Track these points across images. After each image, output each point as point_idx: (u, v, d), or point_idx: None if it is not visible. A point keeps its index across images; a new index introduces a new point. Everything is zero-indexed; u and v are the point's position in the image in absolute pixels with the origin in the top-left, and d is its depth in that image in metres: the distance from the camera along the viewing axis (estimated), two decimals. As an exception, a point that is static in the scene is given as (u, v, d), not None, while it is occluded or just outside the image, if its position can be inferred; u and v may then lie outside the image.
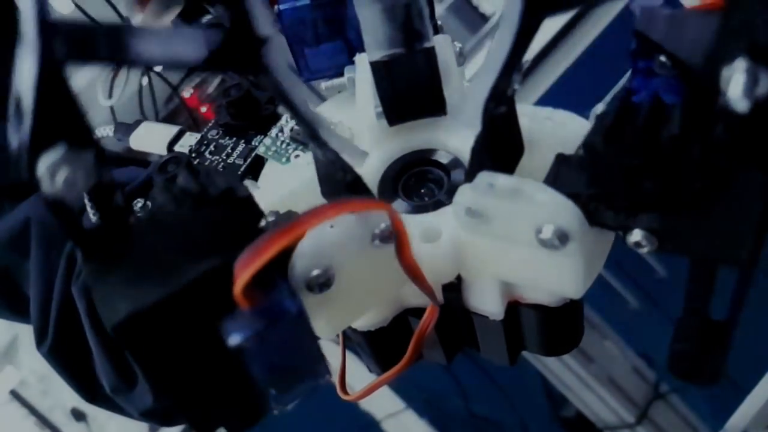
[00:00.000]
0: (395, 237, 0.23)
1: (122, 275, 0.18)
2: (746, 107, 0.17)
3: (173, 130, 0.36)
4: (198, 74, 1.32)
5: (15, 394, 0.99)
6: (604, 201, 0.23)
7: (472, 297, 0.28)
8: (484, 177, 0.24)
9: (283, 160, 0.31)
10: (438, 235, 0.26)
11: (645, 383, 1.33)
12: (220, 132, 0.34)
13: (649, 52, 0.24)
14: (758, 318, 1.53)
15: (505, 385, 1.44)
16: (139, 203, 0.32)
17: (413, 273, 0.24)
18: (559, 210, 0.23)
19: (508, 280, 0.26)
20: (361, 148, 0.24)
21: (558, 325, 0.29)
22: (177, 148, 0.35)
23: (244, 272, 0.17)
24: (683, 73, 0.22)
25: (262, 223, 0.24)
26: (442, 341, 0.30)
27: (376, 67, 0.28)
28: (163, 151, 0.35)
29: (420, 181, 0.29)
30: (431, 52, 0.28)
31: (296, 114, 0.22)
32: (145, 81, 0.99)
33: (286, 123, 0.32)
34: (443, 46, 0.30)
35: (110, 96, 0.97)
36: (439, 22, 0.33)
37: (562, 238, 0.23)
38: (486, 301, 0.28)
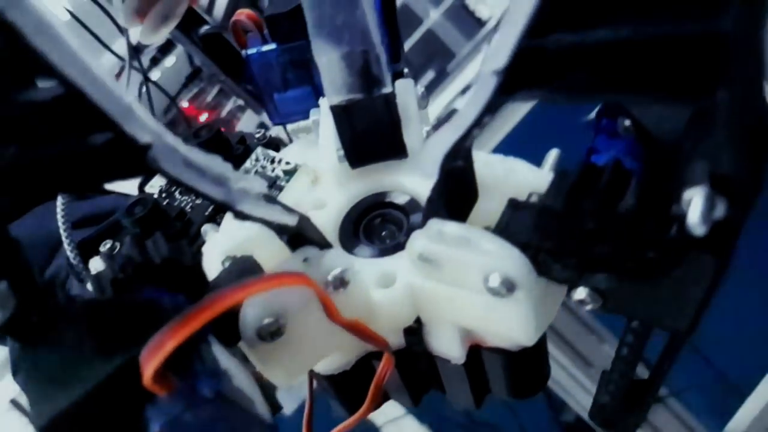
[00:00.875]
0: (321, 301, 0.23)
1: (45, 368, 0.19)
2: (703, 232, 0.17)
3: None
4: (196, 84, 1.33)
5: (15, 403, 1.00)
6: (553, 255, 0.22)
7: (433, 341, 0.28)
8: (435, 224, 0.24)
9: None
10: (393, 281, 0.26)
11: None
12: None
13: (614, 113, 0.23)
14: (756, 322, 1.52)
15: None
16: (107, 244, 0.32)
17: (351, 330, 0.24)
18: (506, 259, 0.22)
19: (463, 325, 0.26)
20: (289, 207, 0.23)
21: (521, 369, 0.29)
22: (148, 188, 0.35)
23: (148, 365, 0.17)
24: (646, 142, 0.22)
25: (219, 269, 0.24)
26: (407, 384, 0.30)
27: (336, 111, 0.28)
28: (134, 190, 0.35)
29: (382, 222, 0.29)
30: (390, 98, 0.28)
31: (207, 199, 0.21)
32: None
33: (252, 165, 0.32)
34: (405, 90, 0.30)
35: None
36: (405, 69, 0.33)
37: (509, 286, 0.22)
38: (447, 345, 0.27)
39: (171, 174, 0.20)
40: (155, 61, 1.28)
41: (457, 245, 0.23)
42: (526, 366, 0.29)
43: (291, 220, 0.23)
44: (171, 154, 0.20)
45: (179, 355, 0.19)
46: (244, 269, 0.25)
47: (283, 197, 0.30)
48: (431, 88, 1.68)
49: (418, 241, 0.24)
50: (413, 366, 0.29)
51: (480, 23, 1.70)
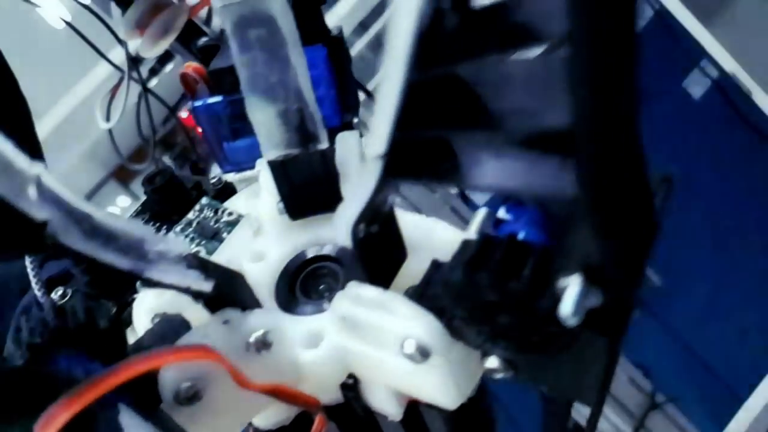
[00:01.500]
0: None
1: None
2: (575, 323, 0.17)
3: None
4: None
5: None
6: (466, 322, 0.22)
7: (369, 397, 0.27)
8: (353, 287, 0.24)
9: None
10: (320, 340, 0.26)
11: (641, 393, 1.32)
12: (147, 217, 0.34)
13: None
14: (754, 327, 1.49)
15: (502, 397, 1.42)
16: (59, 291, 0.32)
17: (271, 394, 0.23)
18: (420, 325, 0.22)
19: (389, 385, 0.25)
20: (217, 266, 0.23)
21: (461, 422, 0.28)
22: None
23: None
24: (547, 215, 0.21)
25: (148, 326, 0.24)
26: (347, 437, 0.29)
27: (273, 166, 0.28)
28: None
29: (319, 276, 0.29)
30: (326, 153, 0.28)
31: (112, 269, 0.21)
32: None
33: (195, 216, 0.32)
34: (347, 142, 0.30)
35: (108, 119, 0.99)
36: (355, 120, 0.32)
37: (424, 352, 0.22)
38: (382, 402, 0.27)
39: (71, 248, 0.20)
40: (154, 72, 1.29)
41: (374, 309, 0.23)
42: (467, 419, 0.28)
43: (206, 286, 0.23)
44: (72, 227, 0.20)
45: (75, 426, 0.19)
46: (167, 330, 0.25)
47: (224, 249, 0.30)
48: None
49: (339, 302, 0.24)
50: (353, 420, 0.29)
51: None
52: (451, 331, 0.23)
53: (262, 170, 0.30)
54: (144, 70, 1.00)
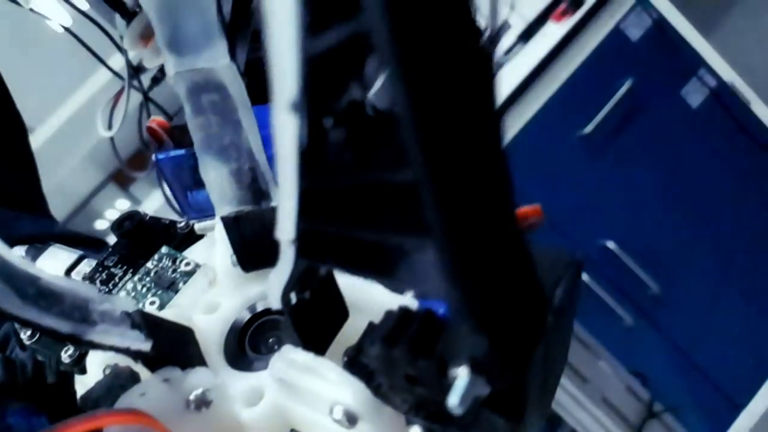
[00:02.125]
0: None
1: None
2: (461, 412, 0.18)
3: (74, 256, 0.37)
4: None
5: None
6: (392, 389, 0.23)
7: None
8: (287, 351, 0.25)
9: (140, 305, 0.32)
10: (260, 398, 0.27)
11: (639, 402, 1.32)
12: (116, 259, 0.35)
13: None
14: (751, 336, 1.49)
15: None
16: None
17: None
18: (347, 391, 0.23)
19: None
20: (139, 336, 0.24)
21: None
22: (74, 274, 0.36)
23: None
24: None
25: (100, 376, 0.25)
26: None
27: (226, 221, 0.29)
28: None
29: (268, 329, 0.30)
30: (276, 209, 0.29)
31: (52, 334, 0.22)
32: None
33: (154, 265, 0.33)
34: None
35: (110, 127, 0.99)
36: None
37: (352, 418, 0.23)
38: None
39: (10, 313, 0.22)
40: (156, 81, 1.30)
41: (306, 374, 0.24)
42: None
43: (145, 347, 0.24)
44: (11, 294, 0.21)
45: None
46: (114, 383, 0.26)
47: (179, 298, 0.31)
48: None
49: (275, 365, 0.25)
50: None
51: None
52: (380, 396, 0.24)
53: (217, 224, 0.32)
54: (145, 79, 1.01)
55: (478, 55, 0.13)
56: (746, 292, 1.57)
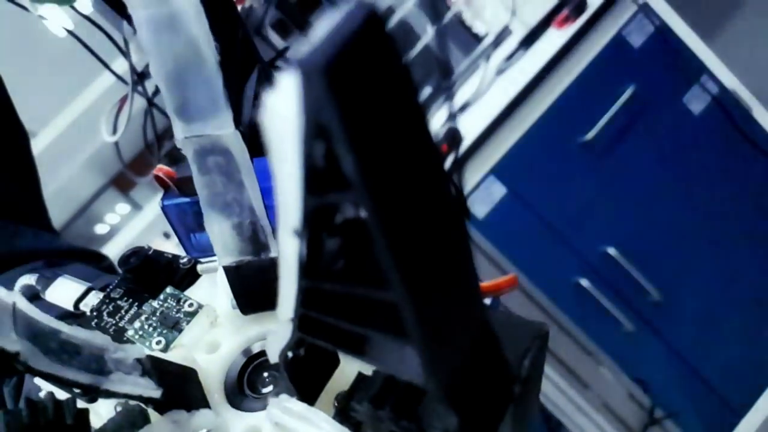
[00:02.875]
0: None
1: None
2: None
3: (82, 288, 0.40)
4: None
5: None
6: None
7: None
8: (283, 400, 0.28)
9: (147, 344, 0.35)
10: (257, 438, 0.30)
11: (640, 409, 1.34)
12: (122, 292, 0.39)
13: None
14: (752, 343, 1.51)
15: None
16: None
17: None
18: (338, 439, 0.26)
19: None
20: (150, 383, 0.28)
21: None
22: (82, 306, 0.39)
23: None
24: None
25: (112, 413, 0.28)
26: None
27: (227, 270, 0.33)
28: (70, 308, 0.39)
29: (266, 369, 0.33)
30: (275, 260, 0.32)
31: (75, 386, 0.26)
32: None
33: (159, 305, 0.36)
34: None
35: (114, 131, 1.02)
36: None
37: (346, 465, 0.26)
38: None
39: (38, 371, 0.25)
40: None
41: (300, 421, 0.27)
42: None
43: (156, 394, 0.28)
44: (39, 353, 0.25)
45: None
46: (125, 421, 0.29)
47: (183, 338, 0.35)
48: (428, 104, 1.71)
49: (272, 410, 0.28)
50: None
51: (477, 38, 1.72)
52: (367, 443, 0.27)
53: (219, 270, 0.35)
54: (150, 85, 1.04)
55: (440, 198, 0.16)
56: (747, 299, 1.60)
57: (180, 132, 0.29)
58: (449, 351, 0.19)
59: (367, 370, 0.28)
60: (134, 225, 2.06)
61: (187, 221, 0.36)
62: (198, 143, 0.30)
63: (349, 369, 0.31)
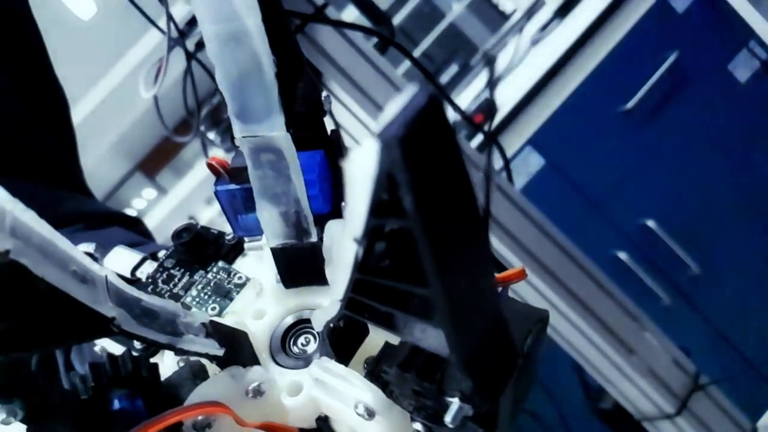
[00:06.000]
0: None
1: None
2: (454, 426, 0.29)
3: (137, 257, 0.49)
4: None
5: None
6: (401, 396, 0.35)
7: (336, 428, 0.40)
8: (323, 361, 0.37)
9: (203, 309, 0.44)
10: (300, 390, 0.39)
11: (685, 375, 1.37)
12: (174, 262, 0.47)
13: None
14: None
15: (543, 377, 1.54)
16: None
17: (263, 429, 0.36)
18: (369, 394, 0.35)
19: (349, 426, 0.38)
20: (214, 344, 0.37)
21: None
22: (138, 273, 0.48)
23: None
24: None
25: (175, 367, 0.37)
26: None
27: (274, 251, 0.41)
28: (127, 274, 0.48)
29: (304, 333, 0.42)
30: (315, 244, 0.40)
31: (155, 344, 0.34)
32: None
33: (213, 276, 0.45)
34: (333, 231, 0.42)
35: (154, 91, 1.09)
36: (344, 203, 0.44)
37: (371, 413, 0.35)
38: (346, 432, 0.40)
39: (130, 332, 0.33)
40: (200, 46, 1.41)
41: (338, 379, 0.36)
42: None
43: (219, 352, 0.36)
44: (130, 319, 0.33)
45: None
46: (188, 374, 0.38)
47: (234, 306, 0.43)
48: (455, 83, 1.76)
49: (313, 369, 0.37)
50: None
51: (504, 16, 1.77)
52: (392, 399, 0.35)
53: (265, 248, 0.43)
54: (190, 44, 1.10)
55: (474, 228, 0.24)
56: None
57: (238, 132, 0.37)
58: (468, 331, 0.27)
59: (394, 340, 0.36)
60: (161, 208, 2.18)
61: (235, 205, 0.44)
62: (253, 142, 0.38)
63: (376, 339, 0.39)
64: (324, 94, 0.43)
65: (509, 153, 1.39)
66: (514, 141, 1.49)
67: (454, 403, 0.30)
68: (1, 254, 0.27)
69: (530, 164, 1.49)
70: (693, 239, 1.59)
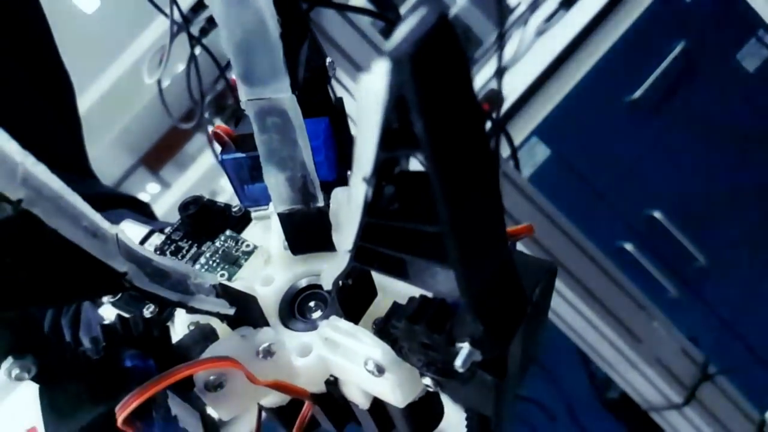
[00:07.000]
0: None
1: (55, 405, 0.33)
2: (464, 371, 0.30)
3: (145, 230, 0.50)
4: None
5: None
6: (410, 351, 0.35)
7: (345, 390, 0.41)
8: (333, 320, 0.38)
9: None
10: (309, 351, 0.39)
11: (693, 364, 1.37)
12: (182, 234, 0.48)
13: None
14: None
15: (549, 367, 1.54)
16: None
17: (274, 388, 0.37)
18: (378, 351, 0.36)
19: (359, 385, 0.39)
20: (238, 292, 0.37)
21: (415, 414, 0.42)
22: (146, 245, 0.49)
23: (120, 414, 0.32)
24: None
25: (185, 331, 0.38)
26: (331, 418, 0.43)
27: (281, 216, 0.42)
28: (137, 248, 0.49)
29: (312, 299, 0.43)
30: (322, 209, 0.41)
31: (167, 302, 0.35)
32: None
33: (221, 245, 0.46)
34: (339, 197, 0.42)
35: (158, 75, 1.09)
36: (349, 172, 0.45)
37: (380, 369, 0.36)
38: (355, 396, 0.41)
39: (141, 289, 0.34)
40: (204, 32, 1.42)
41: (348, 336, 0.37)
42: (420, 411, 0.42)
43: (230, 311, 0.37)
44: (142, 276, 0.34)
45: (142, 408, 0.33)
46: (199, 336, 0.39)
47: (243, 272, 0.44)
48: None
49: (323, 329, 0.38)
50: (334, 405, 0.43)
51: (508, 10, 1.79)
52: (401, 355, 0.36)
53: (272, 215, 0.44)
54: (194, 30, 1.11)
55: (485, 159, 0.25)
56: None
57: (244, 95, 0.38)
58: (479, 271, 0.27)
59: (402, 300, 0.37)
60: (164, 203, 2.20)
61: (241, 174, 0.45)
62: (259, 105, 0.39)
63: (384, 302, 0.40)
64: (328, 59, 0.44)
65: (515, 143, 1.39)
66: (519, 131, 1.49)
67: (465, 347, 0.30)
68: (14, 203, 0.28)
69: (536, 154, 1.50)
70: (700, 231, 1.59)
